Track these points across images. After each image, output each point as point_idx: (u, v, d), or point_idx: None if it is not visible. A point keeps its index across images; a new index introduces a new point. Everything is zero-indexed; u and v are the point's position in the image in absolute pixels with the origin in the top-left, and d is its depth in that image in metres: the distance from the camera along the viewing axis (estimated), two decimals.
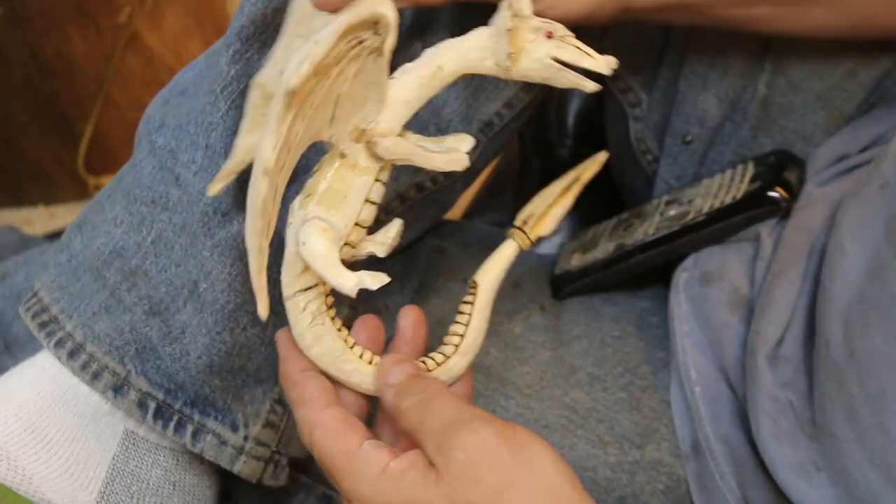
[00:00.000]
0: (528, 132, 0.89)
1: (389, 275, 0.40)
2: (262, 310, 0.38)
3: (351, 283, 0.37)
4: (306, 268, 0.39)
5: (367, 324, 0.44)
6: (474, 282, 0.46)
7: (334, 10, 0.36)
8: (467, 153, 0.41)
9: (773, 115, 0.58)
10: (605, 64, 0.40)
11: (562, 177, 0.51)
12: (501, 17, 0.39)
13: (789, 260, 0.53)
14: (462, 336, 0.45)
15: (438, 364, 0.44)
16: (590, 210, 0.84)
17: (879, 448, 0.43)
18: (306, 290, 0.39)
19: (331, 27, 0.33)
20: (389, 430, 0.42)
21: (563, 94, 0.89)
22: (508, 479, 0.35)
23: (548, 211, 0.49)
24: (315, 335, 0.40)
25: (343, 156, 0.38)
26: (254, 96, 0.41)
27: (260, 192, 0.34)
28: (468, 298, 0.46)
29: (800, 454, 0.48)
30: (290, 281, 0.39)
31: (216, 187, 0.44)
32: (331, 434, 0.38)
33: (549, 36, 0.39)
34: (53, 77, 0.97)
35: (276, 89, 0.34)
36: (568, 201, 0.50)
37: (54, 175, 1.03)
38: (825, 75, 0.57)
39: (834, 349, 0.46)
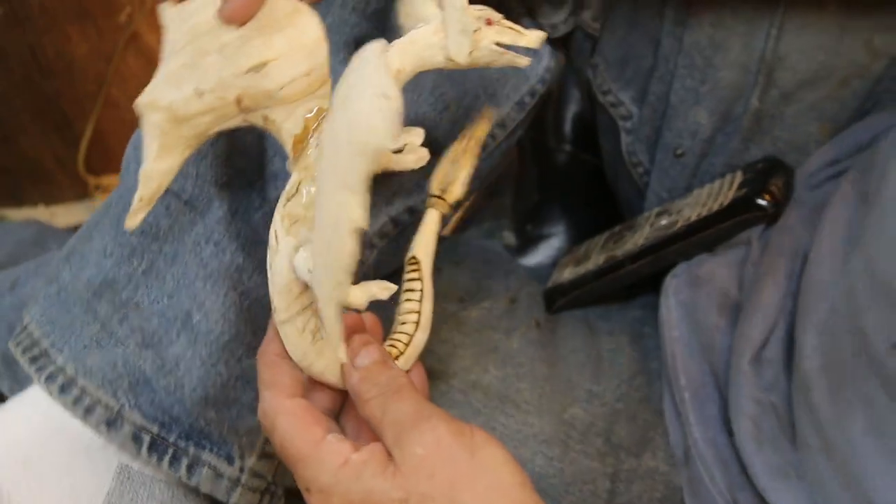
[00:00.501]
0: (527, 137, 0.89)
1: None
2: (343, 355, 0.39)
3: (363, 297, 0.39)
4: (302, 290, 0.39)
5: (346, 321, 0.44)
6: (414, 258, 0.47)
7: (243, 24, 0.37)
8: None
9: (764, 126, 0.58)
10: (536, 39, 0.41)
11: (459, 139, 0.51)
12: (452, 17, 0.39)
13: (775, 262, 0.53)
14: (419, 312, 0.46)
15: (406, 345, 0.45)
16: (585, 218, 0.83)
17: (845, 462, 0.44)
18: (303, 310, 0.40)
19: (383, 76, 0.33)
20: (354, 419, 0.43)
21: (560, 100, 0.88)
22: (462, 475, 0.36)
23: (457, 176, 0.50)
24: (317, 351, 0.41)
25: None
26: (158, 119, 0.38)
27: (353, 251, 0.34)
28: (414, 276, 0.47)
29: (781, 458, 0.48)
30: (285, 306, 0.39)
31: (137, 219, 0.40)
32: (296, 422, 0.39)
33: (489, 23, 0.40)
34: (53, 77, 0.96)
35: (337, 140, 0.33)
36: (470, 162, 0.50)
37: (54, 175, 1.03)
38: (817, 86, 0.57)
39: (805, 359, 0.46)
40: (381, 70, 0.33)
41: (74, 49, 0.95)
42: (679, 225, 0.58)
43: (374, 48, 0.34)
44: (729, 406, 0.51)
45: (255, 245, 0.49)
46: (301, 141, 0.39)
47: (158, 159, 0.39)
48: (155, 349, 0.47)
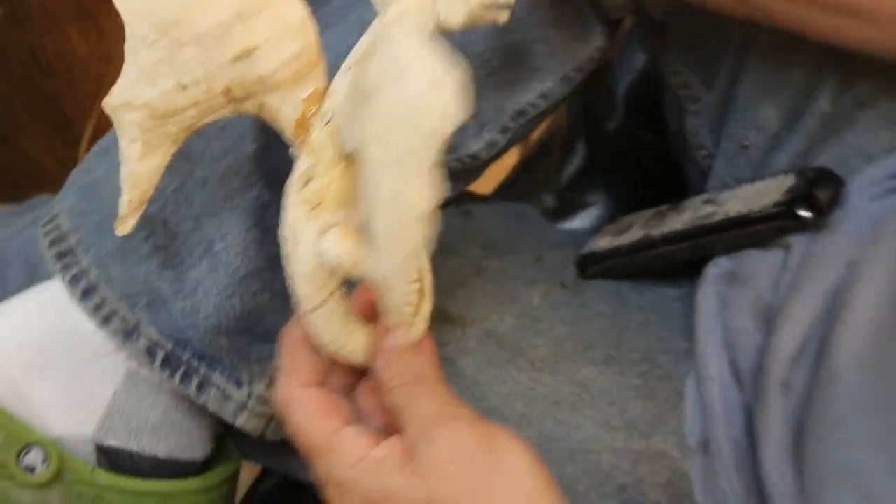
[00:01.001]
0: (578, 102, 0.88)
1: None
2: (421, 329, 0.38)
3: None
4: (328, 276, 0.38)
5: (363, 296, 0.43)
6: None
7: None
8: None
9: (832, 128, 0.56)
10: None
11: None
12: None
13: (814, 275, 0.51)
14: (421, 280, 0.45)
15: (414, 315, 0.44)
16: (628, 191, 0.83)
17: None
18: (331, 295, 0.39)
19: (438, 52, 0.31)
20: (369, 396, 0.42)
21: (617, 69, 0.87)
22: (483, 482, 0.36)
23: None
24: (348, 333, 0.40)
25: (346, 156, 0.38)
26: (136, 118, 0.37)
27: (426, 234, 0.34)
28: None
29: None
30: (312, 293, 0.38)
31: (128, 224, 0.39)
32: (310, 413, 0.39)
33: None
34: (53, 77, 0.97)
35: (398, 129, 0.32)
36: None
37: (54, 175, 1.02)
38: (895, 94, 0.54)
39: (828, 399, 0.44)
40: (433, 46, 0.31)
41: (74, 49, 0.96)
42: (718, 218, 0.57)
43: (410, 23, 0.33)
44: (755, 421, 0.49)
45: (282, 183, 0.48)
46: (302, 125, 0.38)
47: (143, 159, 0.38)
48: (175, 271, 0.47)
